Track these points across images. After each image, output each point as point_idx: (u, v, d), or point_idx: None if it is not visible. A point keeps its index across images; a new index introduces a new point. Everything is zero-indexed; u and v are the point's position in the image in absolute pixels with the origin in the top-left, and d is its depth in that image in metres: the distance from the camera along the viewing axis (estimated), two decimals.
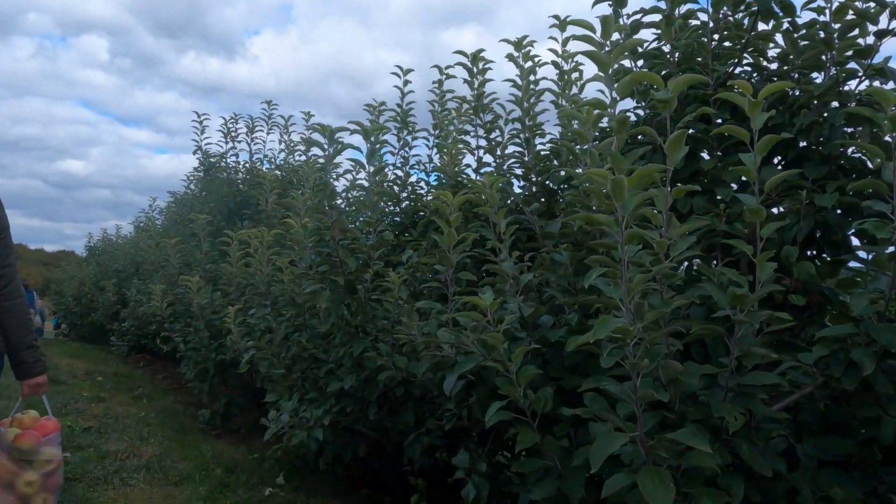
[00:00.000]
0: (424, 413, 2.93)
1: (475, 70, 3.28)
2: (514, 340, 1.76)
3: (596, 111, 1.93)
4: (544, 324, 1.82)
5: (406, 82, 4.63)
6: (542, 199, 3.16)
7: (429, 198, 4.30)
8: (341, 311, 2.77)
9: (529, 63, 3.23)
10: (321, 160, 6.29)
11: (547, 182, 3.02)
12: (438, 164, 4.36)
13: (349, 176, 5.09)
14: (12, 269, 2.15)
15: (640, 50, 2.38)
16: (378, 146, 2.86)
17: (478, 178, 3.63)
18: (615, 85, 1.66)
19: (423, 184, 4.67)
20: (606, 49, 1.75)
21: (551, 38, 3.34)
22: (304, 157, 6.35)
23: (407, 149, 4.71)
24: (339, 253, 2.71)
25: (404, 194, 4.49)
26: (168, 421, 5.29)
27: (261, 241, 3.61)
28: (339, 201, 4.62)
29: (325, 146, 2.67)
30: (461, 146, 3.42)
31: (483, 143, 3.57)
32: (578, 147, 2.07)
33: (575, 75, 3.43)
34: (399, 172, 4.57)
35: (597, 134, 1.99)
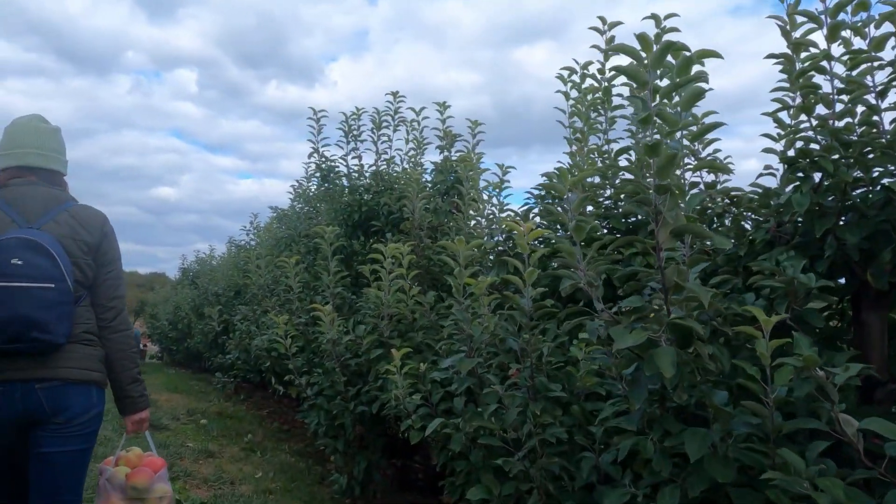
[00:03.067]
0: None
1: None
2: None
3: None
4: None
5: (611, 39, 3.39)
6: None
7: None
8: (676, 374, 1.50)
9: None
10: (455, 159, 5.17)
11: None
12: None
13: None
14: (121, 301, 2.11)
15: None
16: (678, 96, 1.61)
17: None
18: None
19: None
20: None
21: None
22: (441, 156, 5.22)
23: (603, 132, 3.47)
24: (674, 276, 1.46)
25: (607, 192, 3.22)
26: (293, 487, 4.20)
27: (455, 255, 2.42)
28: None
29: (649, 75, 1.44)
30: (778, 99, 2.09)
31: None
32: None
33: None
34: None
35: None
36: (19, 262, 1.82)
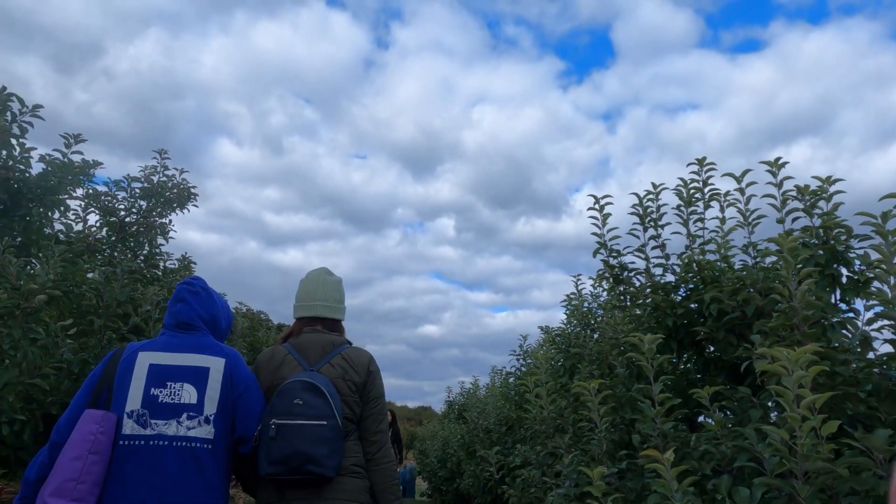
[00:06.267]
0: None
1: None
2: None
3: None
4: None
5: None
6: None
7: None
8: None
9: None
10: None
11: None
12: None
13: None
14: (384, 435, 2.23)
15: None
16: None
17: None
18: None
19: None
20: None
21: None
22: (783, 227, 3.72)
23: None
24: None
25: None
26: None
27: None
28: None
29: None
30: None
31: None
32: None
33: None
34: None
35: None
36: (300, 402, 2.03)
